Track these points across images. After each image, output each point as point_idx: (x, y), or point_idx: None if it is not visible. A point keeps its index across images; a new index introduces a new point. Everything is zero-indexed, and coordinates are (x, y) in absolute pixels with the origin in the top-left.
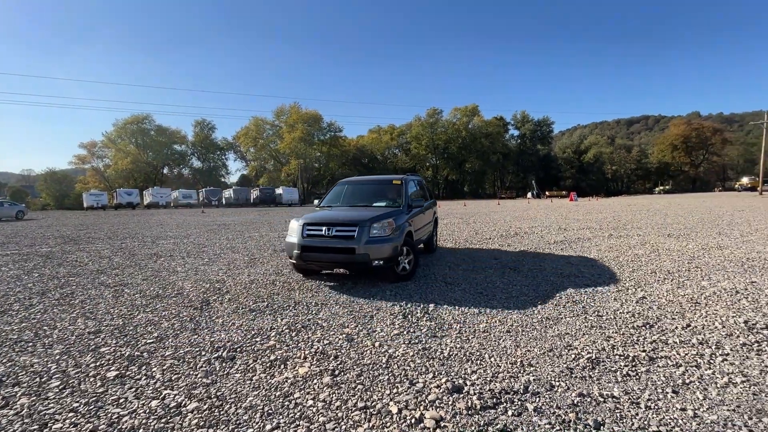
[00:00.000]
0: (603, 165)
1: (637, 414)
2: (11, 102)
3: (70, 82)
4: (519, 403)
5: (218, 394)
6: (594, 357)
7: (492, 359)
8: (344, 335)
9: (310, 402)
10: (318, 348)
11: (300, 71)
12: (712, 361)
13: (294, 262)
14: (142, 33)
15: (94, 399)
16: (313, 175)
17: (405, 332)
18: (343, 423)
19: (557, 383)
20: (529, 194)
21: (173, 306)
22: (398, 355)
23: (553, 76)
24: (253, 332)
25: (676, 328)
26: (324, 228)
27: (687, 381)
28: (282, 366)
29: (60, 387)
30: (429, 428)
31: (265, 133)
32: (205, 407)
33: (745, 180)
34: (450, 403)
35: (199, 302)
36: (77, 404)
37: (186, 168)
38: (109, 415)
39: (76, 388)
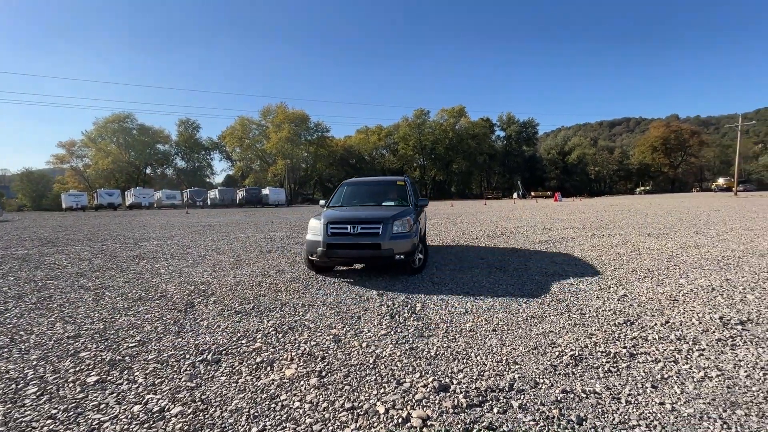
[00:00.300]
0: (586, 166)
1: (618, 409)
2: None
3: (48, 78)
4: (504, 400)
5: (203, 397)
6: (577, 354)
7: (478, 358)
8: (331, 336)
9: (297, 403)
10: (305, 349)
11: (287, 71)
12: (689, 357)
13: (315, 258)
14: (123, 30)
15: (73, 405)
16: (300, 176)
17: (392, 332)
18: (330, 424)
19: (541, 380)
20: (515, 195)
21: (156, 309)
22: (385, 356)
23: (538, 78)
24: (238, 334)
25: (656, 324)
26: (349, 226)
27: (665, 376)
28: (268, 368)
29: (37, 393)
30: (416, 427)
31: (251, 132)
32: (189, 411)
33: (721, 181)
34: (437, 402)
35: (183, 305)
36: (56, 411)
37: (170, 168)
38: (90, 421)
39: (54, 394)
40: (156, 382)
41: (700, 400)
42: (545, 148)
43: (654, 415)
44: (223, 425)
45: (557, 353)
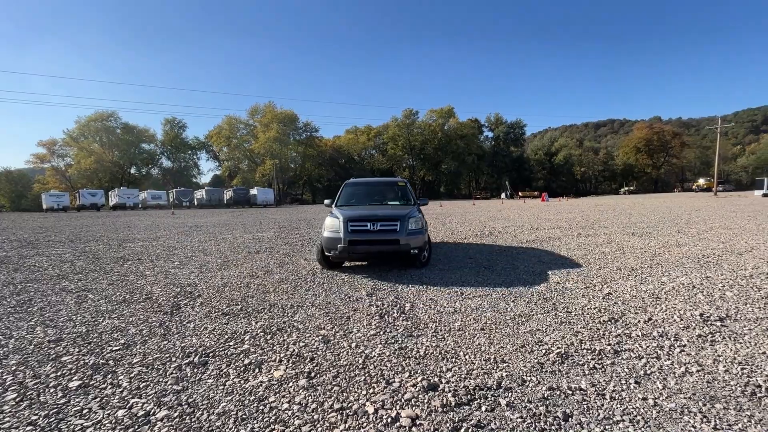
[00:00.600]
0: (572, 167)
1: (602, 405)
2: None
3: (27, 75)
4: (492, 398)
5: (189, 400)
6: (563, 351)
7: (467, 357)
8: (320, 337)
9: (286, 405)
10: (294, 350)
11: (276, 70)
12: (671, 353)
13: (335, 254)
14: (105, 27)
15: (54, 411)
16: (288, 176)
17: (381, 332)
18: (319, 425)
19: (528, 378)
20: (503, 195)
21: (141, 311)
22: (375, 356)
23: (526, 80)
24: (226, 336)
25: (639, 321)
26: (369, 224)
27: (648, 372)
28: (256, 370)
29: (17, 399)
30: (405, 427)
31: (238, 132)
32: (175, 415)
33: (701, 181)
34: (426, 401)
35: (170, 307)
36: (36, 417)
37: (155, 168)
38: (72, 427)
39: (34, 400)
40: (141, 386)
41: (681, 395)
42: (532, 148)
43: (637, 410)
44: (210, 428)
45: (544, 351)
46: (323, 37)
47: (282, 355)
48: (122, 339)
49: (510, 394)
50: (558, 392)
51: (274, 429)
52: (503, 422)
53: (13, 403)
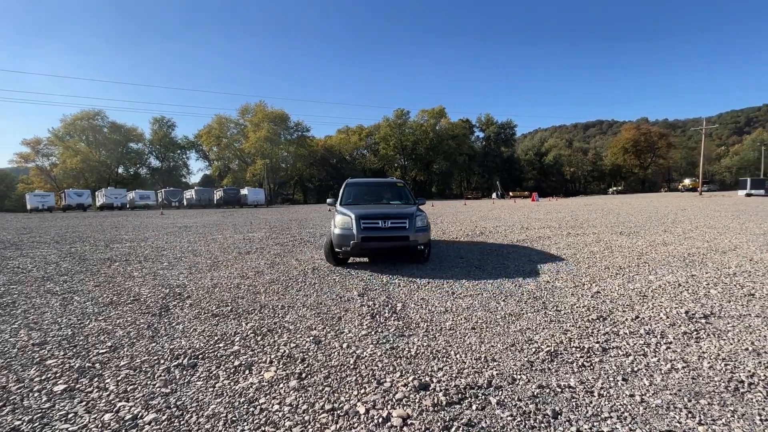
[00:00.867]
0: (562, 167)
1: (591, 402)
2: None
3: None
4: (483, 397)
5: (178, 403)
6: (553, 350)
7: (457, 356)
8: (311, 338)
9: (276, 407)
10: (284, 351)
11: (266, 69)
12: (657, 350)
13: (346, 249)
14: (90, 23)
15: (38, 416)
16: (280, 176)
17: (373, 332)
18: (310, 426)
19: (519, 376)
20: (494, 195)
21: (129, 313)
22: (366, 356)
23: (516, 80)
24: (216, 338)
25: (627, 320)
26: (380, 221)
27: (635, 369)
28: (247, 371)
29: None
30: (396, 427)
31: (229, 131)
32: (163, 418)
33: (687, 181)
34: (417, 400)
35: (158, 308)
36: (19, 422)
37: (143, 167)
38: (56, 431)
39: (18, 404)
40: (128, 389)
41: (667, 392)
42: (523, 149)
43: (624, 406)
44: (199, 431)
45: (534, 349)
46: (314, 36)
47: (272, 357)
48: (109, 342)
49: (500, 392)
50: (547, 390)
51: (264, 431)
52: (493, 421)
53: None
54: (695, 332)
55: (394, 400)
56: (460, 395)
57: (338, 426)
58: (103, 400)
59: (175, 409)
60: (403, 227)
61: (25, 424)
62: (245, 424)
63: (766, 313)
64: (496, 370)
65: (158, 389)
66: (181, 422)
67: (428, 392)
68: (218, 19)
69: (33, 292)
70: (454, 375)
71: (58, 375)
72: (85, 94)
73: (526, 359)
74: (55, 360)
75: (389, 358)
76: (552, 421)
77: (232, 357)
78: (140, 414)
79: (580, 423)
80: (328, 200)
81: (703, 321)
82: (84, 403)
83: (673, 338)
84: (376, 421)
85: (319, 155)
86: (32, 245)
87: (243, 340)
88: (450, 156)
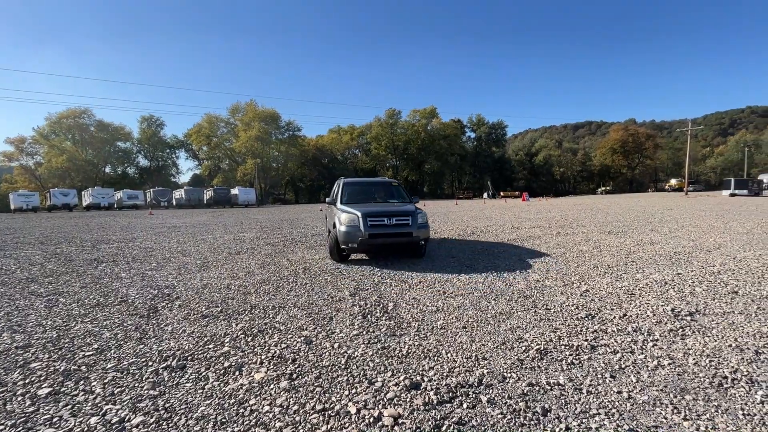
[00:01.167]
0: (552, 167)
1: (579, 399)
2: None
3: None
4: (473, 395)
5: (167, 406)
6: (542, 348)
7: (449, 355)
8: (303, 338)
9: (267, 408)
10: (275, 352)
11: (257, 68)
12: (644, 347)
13: (354, 245)
14: (78, 19)
15: (22, 420)
16: (271, 175)
17: (364, 332)
18: (300, 427)
19: (509, 375)
20: (485, 195)
21: (116, 315)
22: (357, 356)
23: (507, 81)
24: (205, 339)
25: (614, 317)
26: (385, 218)
27: (623, 366)
28: (237, 373)
29: None
30: (387, 426)
31: (219, 131)
32: (151, 421)
33: (673, 182)
34: (408, 399)
35: (146, 309)
36: (2, 427)
37: (132, 167)
38: None
39: (0, 409)
40: (115, 392)
41: (653, 388)
42: (513, 149)
43: (612, 403)
44: None
45: (524, 348)
46: (305, 36)
47: (263, 357)
48: (96, 344)
49: (491, 390)
50: (537, 388)
51: None
52: (484, 419)
53: None
54: (681, 329)
55: (385, 400)
56: (451, 394)
57: (329, 426)
58: (89, 404)
59: (163, 411)
60: (407, 224)
61: (8, 429)
62: (235, 425)
63: (748, 310)
64: (487, 369)
65: (146, 392)
66: (170, 425)
67: (419, 391)
68: (208, 16)
69: (17, 294)
70: (445, 374)
71: (42, 378)
72: (71, 91)
73: (516, 357)
74: (39, 363)
75: (381, 357)
76: (542, 418)
77: (222, 358)
78: (127, 417)
79: (569, 420)
80: (327, 199)
81: (688, 318)
82: (69, 406)
83: (660, 335)
84: (367, 420)
85: (311, 155)
86: (16, 246)
87: (233, 341)
88: (441, 156)
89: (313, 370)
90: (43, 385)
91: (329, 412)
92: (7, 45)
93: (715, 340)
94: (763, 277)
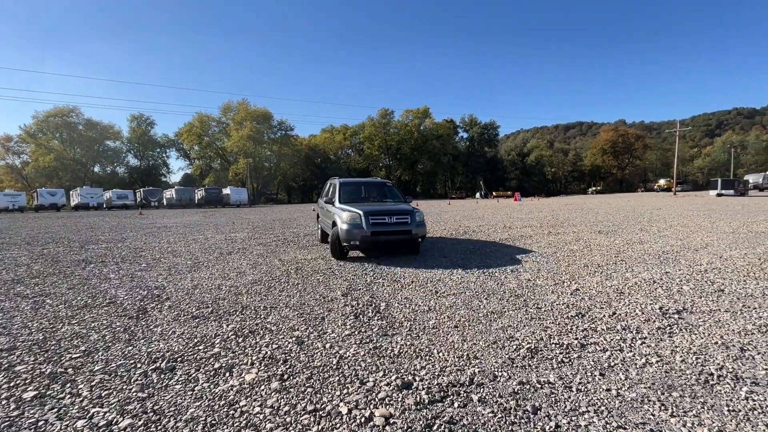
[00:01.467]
0: (544, 167)
1: (569, 397)
2: None
3: None
4: (465, 394)
5: (155, 408)
6: (533, 346)
7: (440, 354)
8: (294, 338)
9: (257, 409)
10: (266, 353)
11: (249, 67)
12: (632, 345)
13: (356, 243)
14: (65, 16)
15: (6, 424)
16: (263, 175)
17: (356, 332)
18: (291, 428)
19: (500, 373)
20: (478, 195)
21: (104, 316)
22: (349, 356)
23: (499, 81)
24: (195, 340)
25: (604, 316)
26: (386, 217)
27: (612, 364)
28: (227, 374)
29: None
30: (379, 426)
31: (210, 130)
32: (140, 423)
33: (662, 182)
34: (399, 399)
35: (135, 311)
36: None
37: (121, 166)
38: None
39: None
40: (103, 395)
41: (641, 385)
42: (506, 149)
43: (601, 401)
44: None
45: (515, 347)
46: (298, 34)
47: (254, 358)
48: (83, 346)
49: (482, 389)
50: (528, 386)
51: None
52: (475, 417)
53: None
54: (668, 327)
55: (376, 400)
56: (442, 393)
57: (320, 427)
58: (76, 407)
59: (152, 413)
60: (406, 222)
61: None
62: (225, 427)
63: (734, 307)
64: (478, 368)
65: (134, 394)
66: (158, 427)
67: (411, 391)
68: (200, 14)
69: (1, 296)
70: (436, 373)
71: (27, 381)
72: (58, 89)
73: (507, 356)
74: (24, 366)
75: (372, 357)
76: (532, 416)
77: (212, 359)
78: (115, 420)
79: (559, 418)
80: (325, 199)
81: (676, 316)
82: (55, 410)
83: (648, 333)
84: (358, 421)
85: (303, 155)
86: (1, 247)
87: (224, 342)
88: (434, 156)
89: (304, 370)
90: (28, 389)
91: (320, 412)
92: None
93: (702, 338)
94: (749, 276)
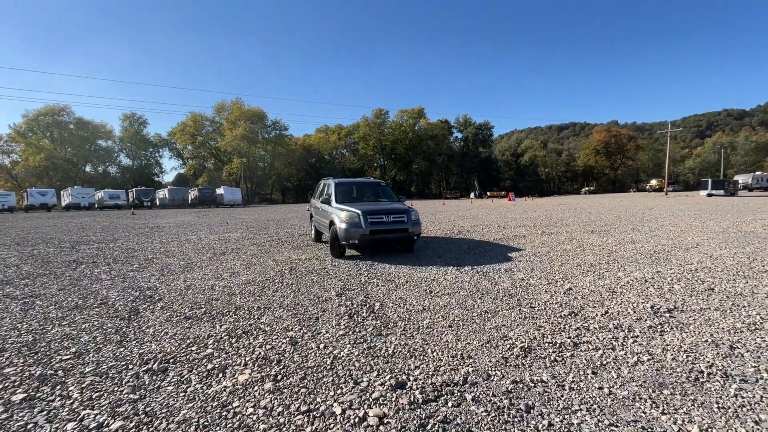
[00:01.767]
0: (537, 167)
1: (562, 396)
2: None
3: None
4: (458, 394)
5: (147, 410)
6: (526, 346)
7: (434, 354)
8: (288, 339)
9: (251, 410)
10: (260, 353)
11: (244, 66)
12: (624, 343)
13: (354, 241)
14: (57, 14)
15: None
16: (257, 175)
17: (350, 332)
18: (285, 429)
19: (493, 372)
20: (472, 195)
21: (95, 317)
22: (343, 356)
23: (493, 82)
24: (188, 341)
25: (596, 315)
26: (384, 216)
27: (604, 362)
28: (220, 375)
29: None
30: (372, 426)
31: (204, 129)
32: (131, 425)
33: (654, 182)
34: (393, 399)
35: (127, 312)
36: None
37: (113, 166)
38: None
39: None
40: (94, 397)
41: (633, 383)
42: (500, 149)
43: (594, 399)
44: None
45: (508, 346)
46: (293, 34)
47: (247, 359)
48: (73, 347)
49: (475, 388)
50: (521, 385)
51: None
52: (469, 417)
53: None
54: (660, 326)
55: (370, 400)
56: (436, 393)
57: (314, 427)
58: (66, 409)
59: (143, 415)
60: (403, 221)
61: None
62: (218, 428)
63: (724, 306)
64: (472, 367)
65: (126, 396)
66: (150, 429)
67: (405, 390)
68: (191, 13)
69: None
70: (430, 373)
71: (16, 384)
72: (49, 88)
73: (500, 355)
74: (13, 368)
75: (366, 357)
76: (525, 415)
77: (205, 360)
78: (106, 422)
79: (552, 416)
80: (320, 198)
81: (667, 315)
82: (45, 412)
83: (640, 332)
84: (352, 421)
85: (298, 154)
86: None
87: (217, 342)
88: (429, 156)
89: (298, 371)
90: (17, 391)
91: (314, 413)
92: None
93: (692, 336)
94: (738, 275)
